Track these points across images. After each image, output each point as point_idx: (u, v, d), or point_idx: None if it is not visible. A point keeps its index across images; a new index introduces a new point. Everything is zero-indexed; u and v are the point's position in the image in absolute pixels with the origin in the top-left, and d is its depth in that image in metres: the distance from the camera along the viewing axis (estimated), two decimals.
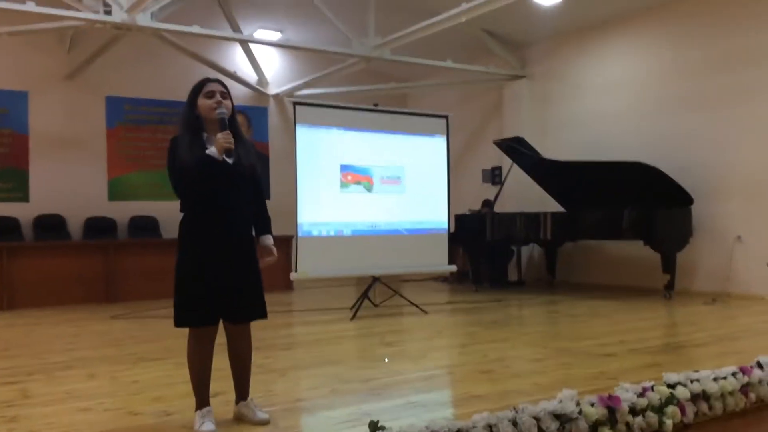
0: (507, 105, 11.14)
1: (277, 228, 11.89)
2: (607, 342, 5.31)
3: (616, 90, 9.65)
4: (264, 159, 11.90)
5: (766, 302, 7.57)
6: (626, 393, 3.00)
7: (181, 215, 3.30)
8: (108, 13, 7.80)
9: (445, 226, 7.76)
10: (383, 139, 7.41)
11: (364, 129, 7.32)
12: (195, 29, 8.47)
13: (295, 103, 7.06)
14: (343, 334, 6.08)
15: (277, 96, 12.01)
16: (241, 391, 3.34)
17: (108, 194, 10.62)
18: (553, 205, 9.70)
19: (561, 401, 2.84)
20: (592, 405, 2.88)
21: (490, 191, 11.09)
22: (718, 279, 8.27)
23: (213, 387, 3.37)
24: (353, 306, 7.25)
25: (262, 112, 12.03)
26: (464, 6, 7.97)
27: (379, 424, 2.50)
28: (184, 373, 4.33)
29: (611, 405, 2.90)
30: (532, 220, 8.90)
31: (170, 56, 10.64)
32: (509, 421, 2.66)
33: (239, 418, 3.30)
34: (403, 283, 10.05)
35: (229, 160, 3.17)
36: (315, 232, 7.01)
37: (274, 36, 10.75)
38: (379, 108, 7.60)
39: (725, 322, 6.29)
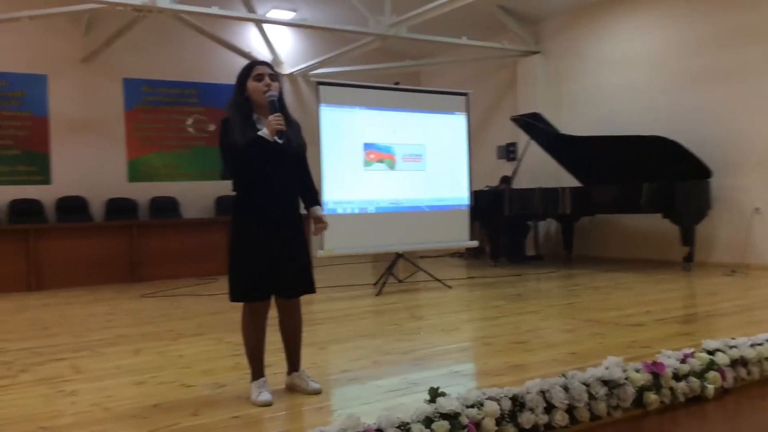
0: (521, 81, 11.17)
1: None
2: (633, 313, 5.42)
3: (631, 65, 9.67)
4: None
5: None
6: (669, 359, 3.11)
7: (232, 195, 3.37)
8: None
9: (466, 202, 7.85)
10: (405, 117, 7.49)
11: (386, 108, 7.40)
12: (214, 10, 8.53)
13: (318, 83, 7.13)
14: (373, 308, 6.20)
15: (291, 75, 12.06)
16: (294, 363, 3.46)
17: (128, 176, 10.73)
18: (568, 180, 9.78)
19: (608, 368, 2.95)
20: (638, 371, 2.99)
21: (504, 167, 11.17)
22: (736, 251, 8.36)
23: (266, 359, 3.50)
24: (377, 282, 7.38)
25: None
26: None
27: (440, 390, 2.61)
28: (226, 347, 4.52)
29: (656, 371, 3.01)
30: (551, 195, 8.99)
31: (186, 37, 10.70)
32: (561, 386, 2.77)
33: (291, 389, 3.43)
34: (420, 259, 10.17)
35: (280, 141, 3.25)
36: (340, 210, 7.10)
37: (288, 15, 10.79)
38: (401, 87, 7.66)
39: (747, 292, 6.39)
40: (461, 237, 7.80)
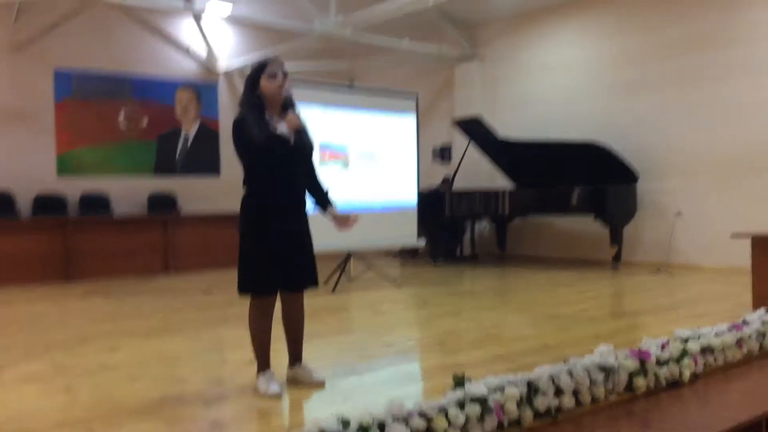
0: (458, 85, 11.51)
1: (230, 204, 12.02)
2: (585, 308, 5.78)
3: (564, 73, 10.17)
4: (214, 136, 11.86)
5: (704, 271, 8.27)
6: (651, 347, 3.41)
7: (243, 190, 3.45)
8: None
9: (415, 202, 8.08)
10: (358, 117, 7.63)
11: (340, 106, 7.51)
12: (162, 4, 8.39)
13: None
14: (334, 306, 6.31)
15: (227, 72, 11.95)
16: (296, 355, 3.56)
17: (57, 170, 10.37)
18: (501, 182, 10.20)
19: (601, 355, 3.21)
20: (627, 359, 3.27)
21: (439, 169, 11.48)
22: (660, 251, 8.95)
23: (252, 354, 3.60)
24: (327, 279, 7.48)
25: (212, 88, 11.94)
26: None
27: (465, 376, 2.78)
28: (204, 343, 4.56)
29: (642, 358, 3.30)
30: (491, 196, 9.34)
31: (120, 29, 10.48)
32: (567, 372, 3.01)
33: (294, 381, 3.52)
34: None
35: (293, 138, 3.35)
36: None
37: (225, 9, 10.65)
38: (354, 86, 7.79)
39: (680, 288, 6.89)
40: (410, 236, 8.01)
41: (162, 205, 10.81)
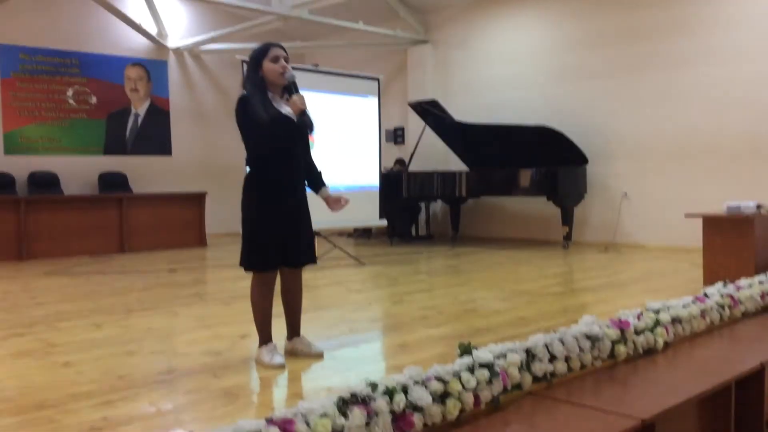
0: (411, 68, 11.68)
1: (185, 186, 12.01)
2: (547, 284, 6.07)
3: (515, 59, 10.46)
4: (164, 115, 11.72)
5: (648, 250, 8.72)
6: (628, 317, 3.68)
7: (246, 169, 3.53)
8: None
9: (377, 183, 8.24)
10: (323, 99, 7.71)
11: (305, 88, 7.54)
12: None
13: (243, 62, 7.15)
14: (306, 284, 6.39)
15: (177, 50, 11.80)
16: (295, 328, 3.69)
17: (4, 148, 10.09)
18: (454, 164, 10.47)
19: (587, 325, 3.46)
20: (608, 327, 3.52)
21: (392, 150, 11.66)
22: (607, 231, 9.38)
23: (241, 329, 3.70)
24: None
25: (162, 65, 11.77)
26: None
27: (471, 345, 2.98)
28: (188, 320, 4.65)
29: (622, 327, 3.56)
30: (449, 178, 9.58)
31: (67, 4, 10.26)
32: (559, 340, 3.24)
33: (293, 353, 3.65)
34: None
35: (294, 118, 3.46)
36: None
37: None
38: (320, 69, 7.87)
39: (631, 266, 7.28)
40: (372, 217, 8.18)
41: (113, 185, 10.66)
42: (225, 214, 11.44)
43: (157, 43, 11.54)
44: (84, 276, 7.06)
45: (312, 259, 3.66)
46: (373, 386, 2.51)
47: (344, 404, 2.39)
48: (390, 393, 2.52)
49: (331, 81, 7.93)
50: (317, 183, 3.71)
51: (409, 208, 10.50)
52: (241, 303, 5.36)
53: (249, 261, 3.49)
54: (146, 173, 11.26)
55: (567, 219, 9.10)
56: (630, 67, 9.21)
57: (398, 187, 9.79)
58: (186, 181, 11.39)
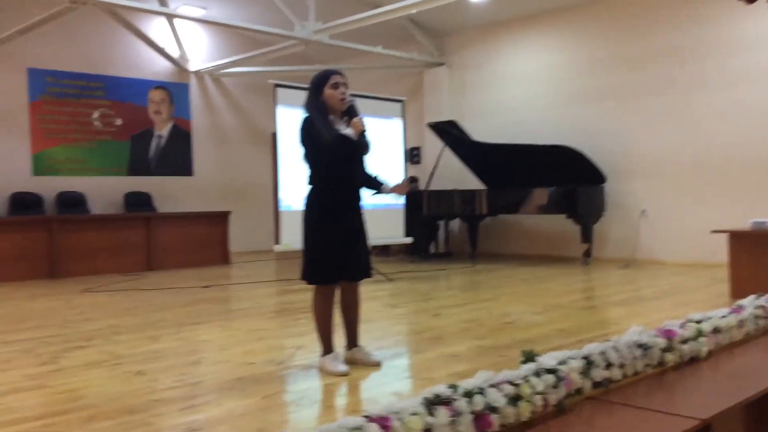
0: (427, 90, 11.93)
1: (206, 205, 12.25)
2: (576, 298, 6.24)
3: (530, 80, 10.71)
4: (186, 136, 11.96)
5: (667, 266, 8.87)
6: (675, 327, 3.85)
7: (309, 187, 3.73)
8: None
9: (402, 201, 8.43)
10: None
11: None
12: (151, 6, 8.50)
13: (276, 85, 7.40)
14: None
15: (198, 73, 12.06)
16: (354, 339, 3.87)
17: (32, 169, 10.31)
18: (471, 183, 10.67)
19: (636, 334, 3.63)
20: (656, 336, 3.70)
21: (409, 169, 11.85)
22: (626, 247, 9.55)
23: (294, 341, 3.86)
24: None
25: (184, 88, 12.02)
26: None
27: (533, 353, 3.15)
28: (240, 333, 4.82)
29: (669, 336, 3.73)
30: (469, 196, 9.79)
31: (93, 29, 10.59)
32: (613, 348, 3.41)
33: (352, 362, 3.82)
34: None
35: (354, 139, 3.66)
36: (294, 207, 7.42)
37: (198, 12, 10.74)
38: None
39: (655, 281, 7.43)
40: (397, 234, 8.37)
41: (138, 204, 10.88)
42: (245, 233, 11.71)
43: (180, 66, 11.81)
44: (121, 293, 7.23)
45: (369, 273, 3.85)
46: (454, 388, 2.69)
47: (430, 404, 2.57)
48: (469, 394, 2.70)
49: (360, 103, 8.12)
50: (377, 184, 3.90)
51: (429, 225, 10.68)
52: (285, 317, 5.58)
53: (312, 275, 3.67)
54: (169, 193, 11.49)
55: (587, 236, 9.27)
56: (645, 88, 9.44)
57: (418, 205, 9.98)
58: (206, 201, 11.62)
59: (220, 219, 10.60)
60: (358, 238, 3.76)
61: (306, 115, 3.67)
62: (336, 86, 3.68)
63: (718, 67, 8.80)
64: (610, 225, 9.73)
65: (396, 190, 3.92)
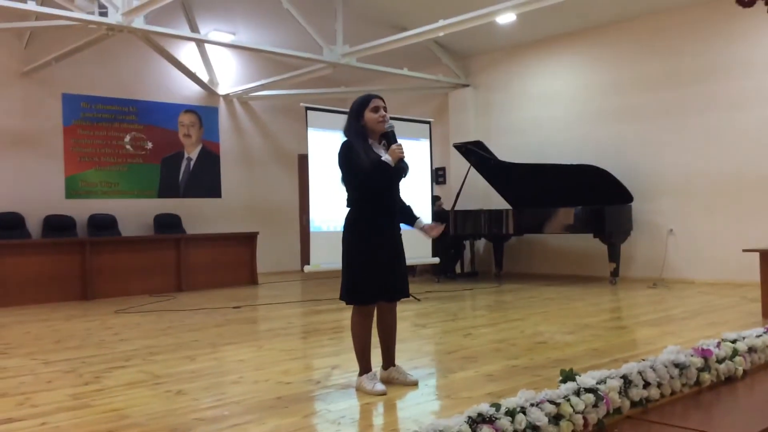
0: (453, 111, 12.02)
1: (234, 226, 12.41)
2: (606, 318, 6.24)
3: (555, 101, 10.76)
4: (215, 159, 12.15)
5: (696, 285, 8.83)
6: (711, 347, 3.86)
7: (346, 210, 3.81)
8: (104, 14, 7.91)
9: (429, 222, 8.47)
10: None
11: None
12: (183, 32, 8.70)
13: (307, 108, 7.53)
14: None
15: (227, 97, 12.26)
16: (390, 359, 3.93)
17: (65, 192, 10.52)
18: (494, 202, 10.70)
19: (673, 353, 3.64)
20: (693, 356, 3.71)
21: (435, 191, 11.93)
22: (654, 266, 9.52)
23: (331, 361, 3.90)
24: None
25: (213, 111, 12.22)
26: (441, 22, 8.73)
27: (573, 372, 3.18)
28: (275, 353, 4.88)
29: (705, 356, 3.74)
30: (495, 216, 9.83)
31: (125, 55, 10.82)
32: (650, 368, 3.43)
33: (388, 382, 3.87)
34: None
35: (392, 164, 3.73)
36: (324, 228, 7.52)
37: (228, 38, 10.94)
38: None
39: (685, 300, 7.41)
40: (425, 254, 8.42)
41: (168, 226, 11.04)
42: (272, 254, 11.84)
43: (209, 90, 12.02)
44: (154, 314, 7.34)
45: (407, 294, 3.91)
46: (497, 407, 2.73)
47: (473, 423, 2.62)
48: (511, 413, 2.74)
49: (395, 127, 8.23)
50: (412, 218, 3.97)
51: (455, 245, 10.72)
52: (318, 337, 5.63)
53: (351, 296, 3.74)
54: (198, 214, 11.65)
55: (614, 255, 9.25)
56: (670, 108, 9.46)
57: (446, 225, 10.02)
58: (234, 222, 11.77)
59: (248, 240, 10.73)
60: (396, 259, 3.83)
61: (345, 139, 3.76)
62: (376, 110, 3.77)
63: (743, 87, 8.81)
64: (636, 244, 9.71)
65: (428, 230, 3.97)
